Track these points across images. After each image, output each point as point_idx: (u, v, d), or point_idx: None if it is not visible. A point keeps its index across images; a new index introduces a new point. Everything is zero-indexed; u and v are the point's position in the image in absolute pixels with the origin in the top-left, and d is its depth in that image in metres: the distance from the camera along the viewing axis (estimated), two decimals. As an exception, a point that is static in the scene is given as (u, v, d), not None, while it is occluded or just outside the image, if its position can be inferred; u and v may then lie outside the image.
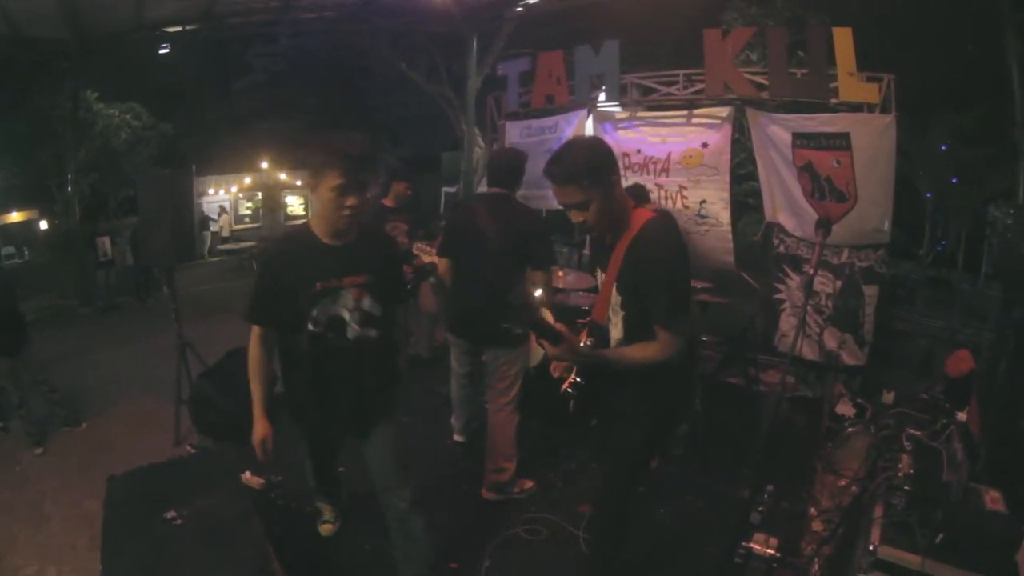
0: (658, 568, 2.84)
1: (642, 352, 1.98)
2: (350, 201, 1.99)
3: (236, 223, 15.81)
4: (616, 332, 2.12)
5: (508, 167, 3.29)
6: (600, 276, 2.18)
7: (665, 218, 2.08)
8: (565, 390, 2.14)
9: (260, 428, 2.28)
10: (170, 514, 2.38)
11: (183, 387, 4.22)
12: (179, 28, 7.93)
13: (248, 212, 16.64)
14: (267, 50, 9.73)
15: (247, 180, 16.65)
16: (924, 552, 1.90)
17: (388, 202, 4.73)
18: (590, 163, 1.94)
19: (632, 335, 2.05)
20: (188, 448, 4.03)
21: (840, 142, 4.51)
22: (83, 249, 9.28)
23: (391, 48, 10.15)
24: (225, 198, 15.75)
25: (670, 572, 2.82)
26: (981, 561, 1.86)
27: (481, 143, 8.80)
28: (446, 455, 3.80)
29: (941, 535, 1.89)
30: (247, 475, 3.37)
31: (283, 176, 17.50)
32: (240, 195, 16.44)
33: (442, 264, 3.23)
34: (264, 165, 16.99)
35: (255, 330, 2.23)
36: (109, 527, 2.37)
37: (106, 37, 8.12)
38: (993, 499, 2.08)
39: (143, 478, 2.71)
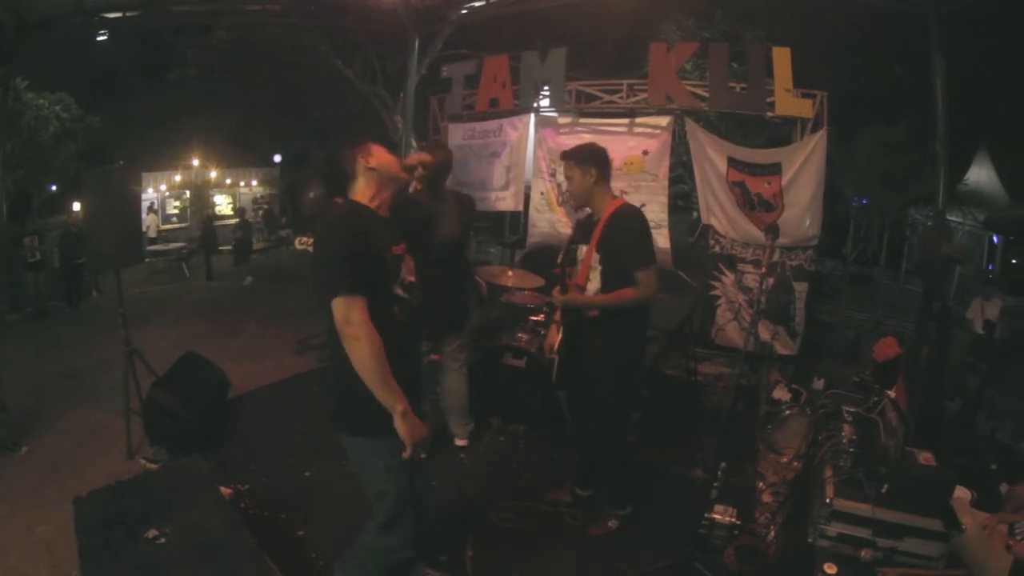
0: (629, 543, 3.04)
1: (625, 294, 2.73)
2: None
3: (164, 223, 15.04)
4: (594, 285, 2.85)
5: (444, 161, 3.58)
6: (582, 248, 2.93)
7: (632, 205, 2.93)
8: (556, 351, 2.96)
9: (419, 426, 1.94)
10: (151, 533, 2.28)
11: (131, 396, 4.02)
12: (120, 14, 7.50)
13: (175, 212, 15.84)
14: (201, 42, 9.31)
15: (176, 178, 15.84)
16: (873, 501, 2.23)
17: None
18: (579, 154, 2.88)
19: (607, 285, 2.80)
20: (142, 461, 3.86)
21: (772, 169, 4.92)
22: (10, 250, 8.60)
23: (328, 45, 9.97)
24: (153, 196, 14.93)
25: (641, 546, 3.01)
26: (922, 505, 2.22)
27: (414, 143, 8.82)
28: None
29: (886, 486, 2.22)
30: (214, 485, 3.32)
31: (213, 174, 16.78)
32: (167, 194, 15.63)
33: None
34: (195, 162, 16.24)
35: (358, 304, 1.85)
36: (87, 553, 2.22)
37: (45, 20, 7.59)
38: (926, 458, 2.44)
39: (112, 497, 2.57)
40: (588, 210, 2.98)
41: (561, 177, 6.16)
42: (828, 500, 2.31)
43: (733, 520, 2.76)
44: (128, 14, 7.53)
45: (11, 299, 8.33)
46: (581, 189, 2.88)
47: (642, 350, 3.09)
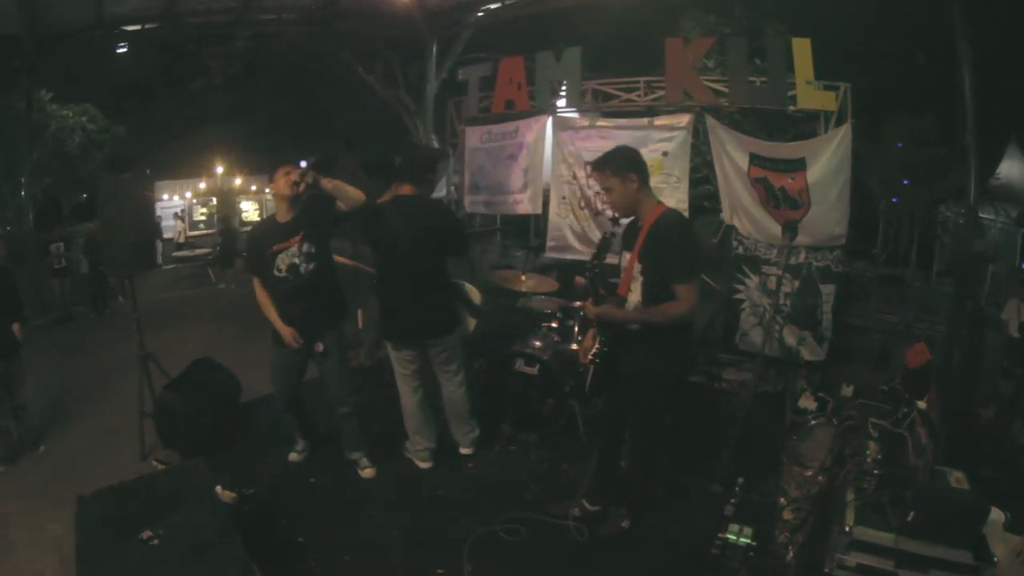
0: (638, 563, 2.90)
1: (666, 310, 2.60)
2: (294, 176, 3.18)
3: (191, 229, 15.37)
4: (634, 297, 2.72)
5: (422, 164, 3.59)
6: (626, 256, 2.80)
7: (677, 211, 2.85)
8: (592, 359, 2.83)
9: (287, 331, 3.32)
10: (146, 534, 2.32)
11: (146, 400, 4.08)
12: (138, 27, 7.68)
13: (203, 218, 16.18)
14: (223, 51, 9.50)
15: (202, 185, 16.21)
16: (897, 530, 2.04)
17: None
18: (615, 161, 2.71)
19: (648, 297, 2.67)
20: (154, 463, 3.89)
21: (796, 165, 4.72)
22: (36, 257, 8.86)
23: (348, 52, 10.05)
24: (180, 203, 15.30)
25: (650, 566, 2.88)
26: (951, 535, 2.01)
27: (437, 147, 8.81)
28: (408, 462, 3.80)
29: (912, 514, 2.02)
30: (218, 489, 3.27)
31: (238, 181, 17.09)
32: (194, 200, 16.00)
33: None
34: (219, 170, 16.57)
35: (254, 280, 3.43)
36: (83, 551, 2.29)
37: (64, 34, 7.82)
38: (958, 480, 2.22)
39: (114, 497, 2.64)
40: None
41: (583, 179, 6.10)
42: (848, 528, 2.13)
43: (749, 541, 2.60)
44: (147, 26, 7.70)
45: (37, 305, 8.56)
46: (624, 199, 2.73)
47: (685, 367, 2.98)
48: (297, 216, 3.29)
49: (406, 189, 3.43)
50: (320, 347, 3.39)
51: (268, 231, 3.34)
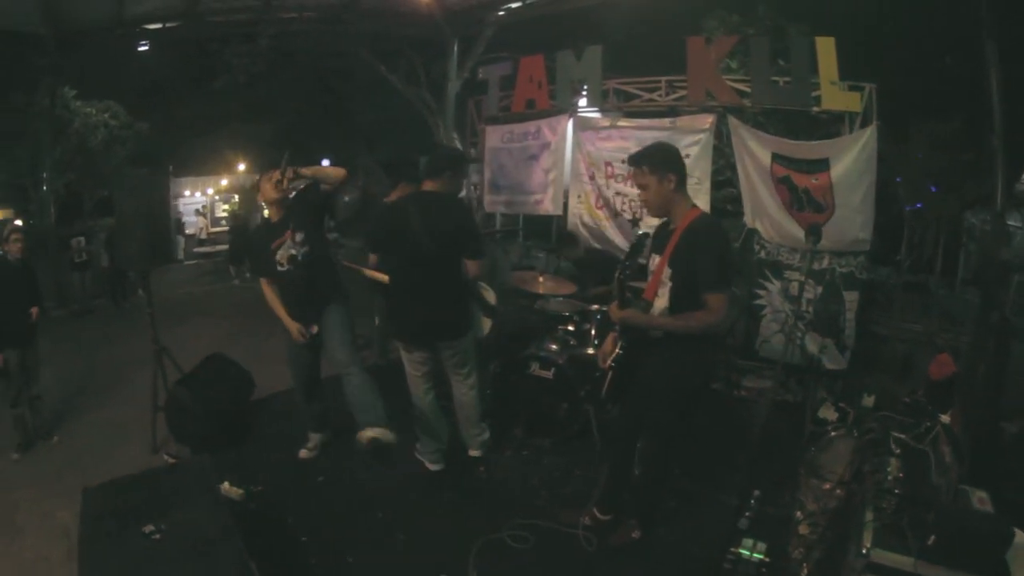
0: (646, 575, 2.82)
1: (697, 319, 2.49)
2: (276, 176, 3.42)
3: (213, 226, 15.59)
4: (661, 302, 2.62)
5: (441, 160, 3.48)
6: (655, 259, 2.70)
7: (712, 216, 2.77)
8: (611, 364, 2.78)
9: (293, 327, 3.52)
10: (148, 528, 2.31)
11: (159, 394, 4.11)
12: (160, 25, 7.79)
13: (225, 215, 16.41)
14: (246, 50, 9.59)
15: (224, 182, 16.43)
16: (916, 554, 1.94)
17: None
18: (654, 158, 2.61)
19: (676, 303, 2.57)
20: (165, 457, 3.91)
21: (819, 166, 4.59)
22: (57, 250, 9.04)
23: (370, 50, 10.09)
24: (202, 200, 15.55)
25: (658, 580, 2.80)
26: (973, 562, 1.91)
27: (459, 147, 8.79)
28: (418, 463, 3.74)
29: (933, 537, 1.92)
30: (226, 485, 3.27)
31: (260, 178, 17.32)
32: (216, 197, 16.24)
33: (372, 260, 3.60)
34: (241, 167, 16.78)
35: (262, 281, 3.62)
36: (86, 541, 2.29)
37: (86, 32, 7.97)
38: (981, 500, 2.12)
39: (119, 490, 2.62)
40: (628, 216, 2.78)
41: (602, 181, 6.03)
42: (865, 550, 2.03)
43: (762, 557, 2.50)
44: (168, 25, 7.78)
45: (58, 297, 8.74)
46: (659, 199, 2.62)
47: (707, 379, 2.90)
48: (286, 211, 3.55)
49: (427, 185, 3.35)
50: (315, 328, 3.55)
51: (266, 232, 3.62)
